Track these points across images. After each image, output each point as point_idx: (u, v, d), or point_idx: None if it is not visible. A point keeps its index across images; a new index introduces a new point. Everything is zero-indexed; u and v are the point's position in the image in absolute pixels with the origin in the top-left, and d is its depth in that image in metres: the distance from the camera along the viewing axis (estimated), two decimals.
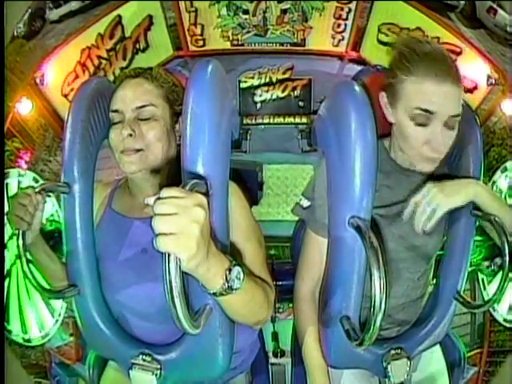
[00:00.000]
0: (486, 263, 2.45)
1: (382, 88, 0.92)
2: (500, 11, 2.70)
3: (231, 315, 0.81)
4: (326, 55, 3.03)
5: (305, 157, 2.93)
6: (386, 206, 0.94)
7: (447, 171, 1.00)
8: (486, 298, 2.50)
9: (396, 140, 0.93)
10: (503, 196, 2.63)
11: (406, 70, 0.85)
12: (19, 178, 2.57)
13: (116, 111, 0.91)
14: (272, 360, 1.83)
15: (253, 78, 3.07)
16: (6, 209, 0.86)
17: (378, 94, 0.93)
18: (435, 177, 0.93)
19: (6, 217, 0.87)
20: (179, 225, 0.57)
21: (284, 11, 2.96)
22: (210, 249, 0.64)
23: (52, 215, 2.46)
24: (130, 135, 0.87)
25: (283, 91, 3.08)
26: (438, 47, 0.87)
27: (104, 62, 2.84)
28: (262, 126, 3.05)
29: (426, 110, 0.84)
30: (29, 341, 2.53)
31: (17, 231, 0.85)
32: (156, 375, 0.87)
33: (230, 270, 0.68)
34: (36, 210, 0.86)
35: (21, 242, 0.85)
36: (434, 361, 1.10)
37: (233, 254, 0.80)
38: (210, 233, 0.63)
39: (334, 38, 2.98)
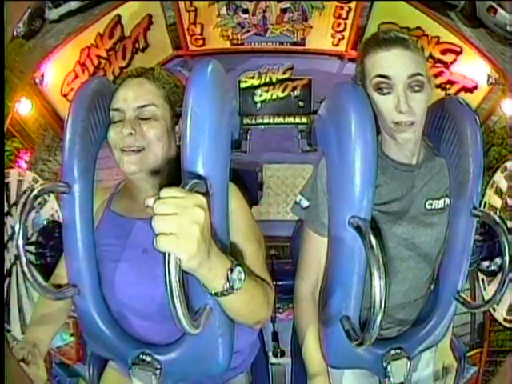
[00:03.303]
0: (486, 263, 2.45)
1: (353, 79, 0.96)
2: (500, 10, 2.69)
3: (232, 315, 0.81)
4: (326, 54, 3.02)
5: (305, 157, 2.92)
6: (384, 203, 0.95)
7: (448, 171, 1.00)
8: (486, 298, 2.50)
9: (383, 129, 0.94)
10: (503, 196, 2.63)
11: (365, 52, 0.91)
12: (19, 178, 2.56)
13: (117, 110, 0.91)
14: (272, 360, 1.83)
15: (253, 77, 3.06)
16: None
17: None
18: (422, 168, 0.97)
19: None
20: (179, 225, 0.57)
21: (284, 10, 2.95)
22: (212, 249, 0.64)
23: (52, 215, 2.46)
24: (131, 134, 0.87)
25: (283, 91, 3.08)
26: (401, 32, 0.91)
27: (103, 61, 2.83)
28: (262, 126, 3.05)
29: (383, 76, 0.87)
30: None
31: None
32: (156, 375, 0.87)
33: (231, 270, 0.68)
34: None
35: (21, 242, 0.85)
36: (433, 361, 1.09)
37: (233, 254, 0.80)
38: (211, 233, 0.63)
39: (334, 37, 2.97)
